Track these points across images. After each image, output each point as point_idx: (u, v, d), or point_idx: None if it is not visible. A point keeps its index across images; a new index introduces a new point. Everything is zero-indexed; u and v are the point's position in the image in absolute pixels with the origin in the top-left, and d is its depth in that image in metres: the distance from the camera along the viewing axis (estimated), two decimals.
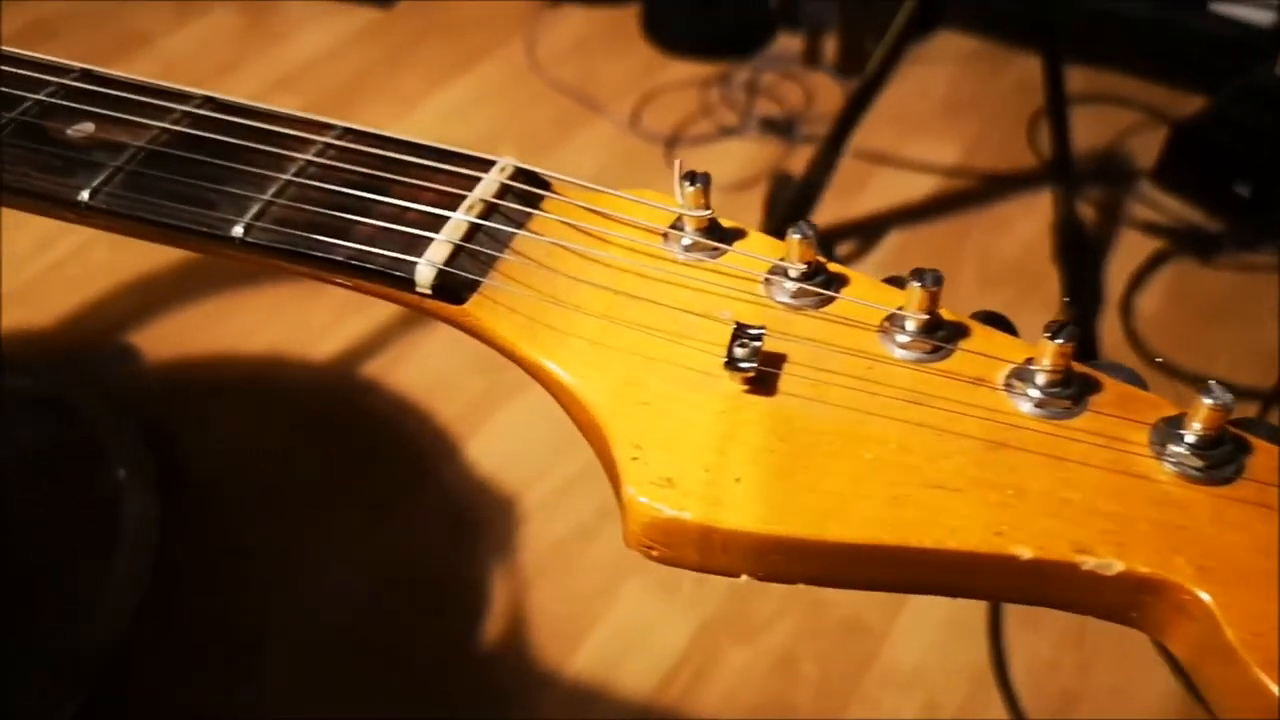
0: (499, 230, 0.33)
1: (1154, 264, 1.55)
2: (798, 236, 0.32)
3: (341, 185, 0.34)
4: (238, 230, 0.33)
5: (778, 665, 1.18)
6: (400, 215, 0.33)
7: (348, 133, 0.36)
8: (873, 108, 1.80)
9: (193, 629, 1.17)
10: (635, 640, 1.21)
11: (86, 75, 0.39)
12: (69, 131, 0.37)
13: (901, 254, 1.59)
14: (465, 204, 0.33)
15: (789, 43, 1.93)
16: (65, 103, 0.38)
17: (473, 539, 1.30)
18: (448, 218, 0.33)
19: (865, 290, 0.33)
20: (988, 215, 1.65)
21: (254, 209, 0.33)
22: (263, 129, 0.36)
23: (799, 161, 1.71)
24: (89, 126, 0.37)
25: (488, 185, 0.34)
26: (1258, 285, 1.52)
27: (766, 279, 0.33)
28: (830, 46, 1.90)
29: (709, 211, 0.34)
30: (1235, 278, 1.54)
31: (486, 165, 0.35)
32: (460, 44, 1.96)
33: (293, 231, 0.33)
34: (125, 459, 1.01)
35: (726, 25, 1.93)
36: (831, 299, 0.33)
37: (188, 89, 0.38)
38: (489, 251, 0.33)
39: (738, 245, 0.35)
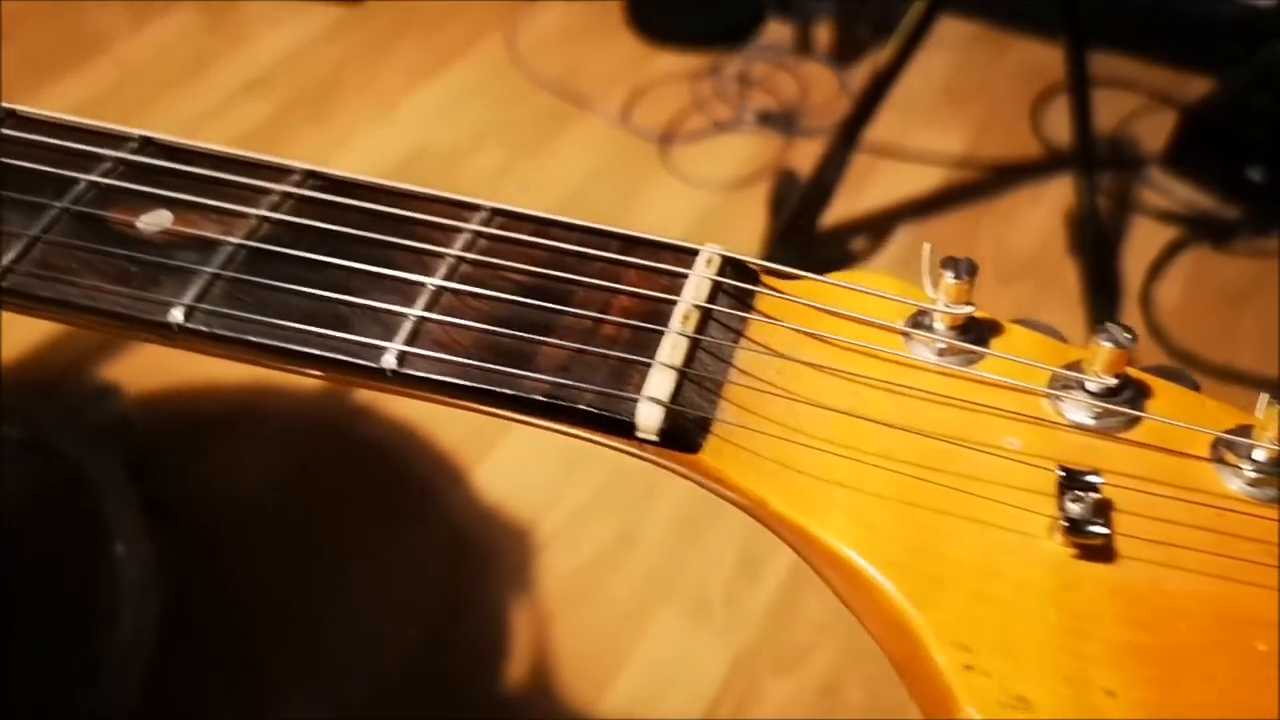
0: (720, 346, 0.26)
1: (1171, 253, 1.51)
2: (1110, 344, 0.25)
3: (509, 291, 0.27)
4: (389, 360, 0.25)
5: (823, 694, 1.13)
6: (594, 332, 0.26)
7: (498, 215, 0.29)
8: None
9: (203, 677, 1.09)
10: (671, 674, 1.15)
11: (149, 145, 0.31)
12: (139, 224, 0.29)
13: (915, 250, 1.53)
14: (678, 314, 0.26)
15: (779, 31, 1.86)
16: (129, 184, 0.30)
17: (487, 572, 1.23)
18: (659, 334, 0.26)
19: (1180, 406, 0.26)
20: (997, 206, 1.60)
21: (405, 329, 0.26)
22: (391, 214, 0.29)
23: (800, 156, 1.65)
24: (165, 217, 0.29)
25: (697, 286, 0.27)
26: (1276, 271, 1.49)
27: (1052, 393, 0.27)
28: (823, 34, 1.84)
29: (972, 308, 0.27)
30: (1253, 264, 1.51)
31: (688, 257, 0.28)
32: (436, 39, 1.87)
33: (460, 360, 0.25)
34: (119, 509, 0.93)
35: (715, 14, 1.85)
36: (1138, 418, 0.26)
37: (283, 161, 0.30)
38: (714, 376, 0.26)
39: (996, 345, 0.28)
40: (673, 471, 0.25)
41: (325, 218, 0.28)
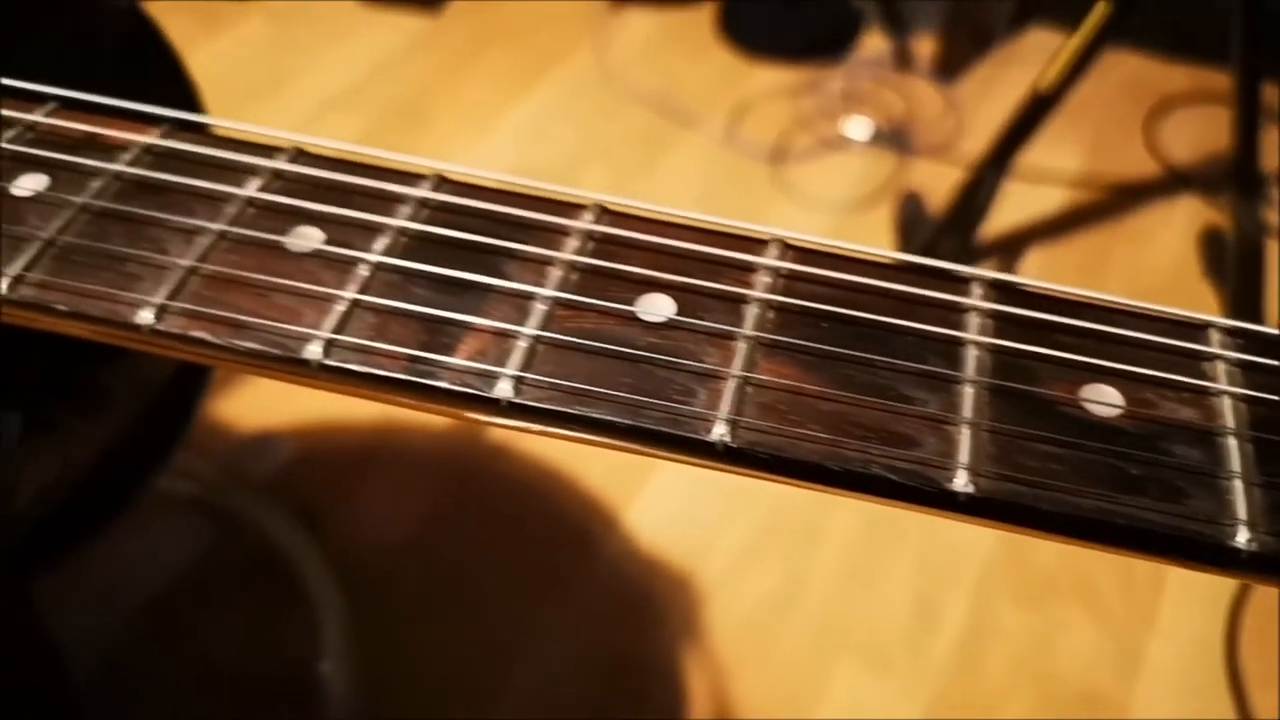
0: None
1: None
2: None
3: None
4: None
5: None
6: None
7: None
8: (976, 116, 1.71)
9: None
10: None
11: (999, 289, 0.25)
12: (1087, 403, 0.23)
13: (1047, 274, 1.49)
14: None
15: (876, 44, 1.81)
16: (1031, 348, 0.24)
17: (655, 624, 1.16)
18: None
19: None
20: (1125, 227, 1.56)
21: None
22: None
23: (918, 176, 1.60)
24: (1111, 394, 0.23)
25: None
26: None
27: None
28: (923, 48, 1.79)
29: None
30: None
31: None
32: (522, 51, 1.80)
33: None
34: (315, 582, 0.85)
35: (812, 25, 1.80)
36: None
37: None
38: None
39: None
40: None
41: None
